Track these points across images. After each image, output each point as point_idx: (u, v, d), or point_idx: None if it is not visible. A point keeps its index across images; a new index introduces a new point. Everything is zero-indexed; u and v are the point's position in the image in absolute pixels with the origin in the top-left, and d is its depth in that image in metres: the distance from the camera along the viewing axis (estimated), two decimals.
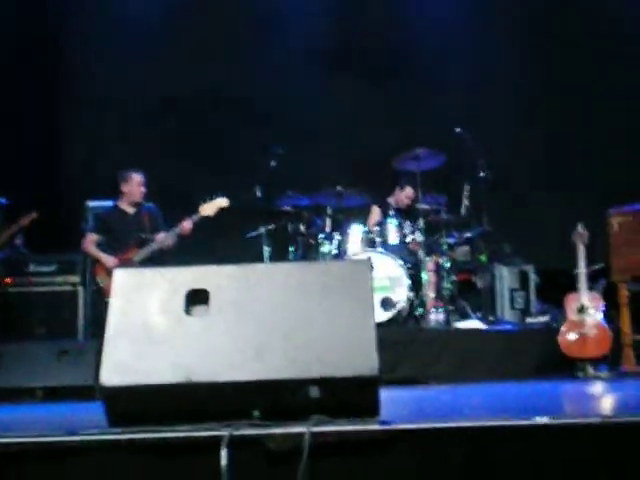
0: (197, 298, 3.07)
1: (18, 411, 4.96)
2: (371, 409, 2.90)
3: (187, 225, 6.79)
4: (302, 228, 7.39)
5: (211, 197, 6.79)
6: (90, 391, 5.70)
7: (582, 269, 6.06)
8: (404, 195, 7.76)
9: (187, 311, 3.06)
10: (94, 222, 7.20)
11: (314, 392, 2.88)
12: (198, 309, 3.07)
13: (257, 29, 9.10)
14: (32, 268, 7.24)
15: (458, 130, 7.17)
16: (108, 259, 6.76)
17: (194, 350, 2.98)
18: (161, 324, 3.04)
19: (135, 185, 7.00)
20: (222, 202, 6.79)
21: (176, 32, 9.12)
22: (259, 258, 7.31)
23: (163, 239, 6.84)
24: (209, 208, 6.77)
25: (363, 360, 2.89)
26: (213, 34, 9.03)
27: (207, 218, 6.78)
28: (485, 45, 8.84)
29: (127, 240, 6.85)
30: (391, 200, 7.83)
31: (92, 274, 7.04)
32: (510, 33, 8.84)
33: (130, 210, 7.05)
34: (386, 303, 6.63)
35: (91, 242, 6.93)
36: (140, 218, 7.02)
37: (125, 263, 6.66)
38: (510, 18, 8.88)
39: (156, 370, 2.94)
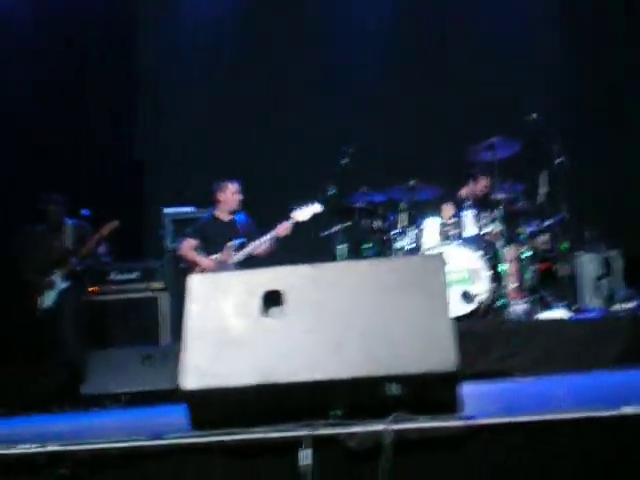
0: (273, 299, 3.08)
1: (103, 417, 5.06)
2: (452, 405, 2.87)
3: (283, 227, 6.93)
4: (377, 224, 7.35)
5: (303, 203, 6.89)
6: (174, 394, 5.78)
7: None
8: (479, 187, 7.62)
9: (263, 312, 3.07)
10: (192, 229, 7.37)
11: (393, 389, 2.86)
12: (274, 310, 3.08)
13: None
14: (114, 276, 7.39)
15: (534, 116, 7.03)
16: (207, 262, 6.97)
17: (271, 351, 2.98)
18: (238, 326, 3.05)
19: (231, 194, 7.25)
20: (316, 208, 7.01)
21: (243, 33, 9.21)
22: (335, 256, 7.30)
23: (258, 244, 7.05)
24: (303, 214, 6.96)
25: (441, 356, 2.85)
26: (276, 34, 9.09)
27: (300, 223, 6.91)
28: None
29: (223, 246, 7.01)
30: (464, 192, 7.69)
31: (180, 279, 7.17)
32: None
33: (225, 218, 7.32)
34: (467, 296, 6.54)
35: (189, 247, 7.19)
36: (235, 225, 7.30)
37: (222, 266, 6.84)
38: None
39: (235, 372, 2.96)
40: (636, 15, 8.47)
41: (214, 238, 7.12)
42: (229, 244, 7.04)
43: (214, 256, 7.04)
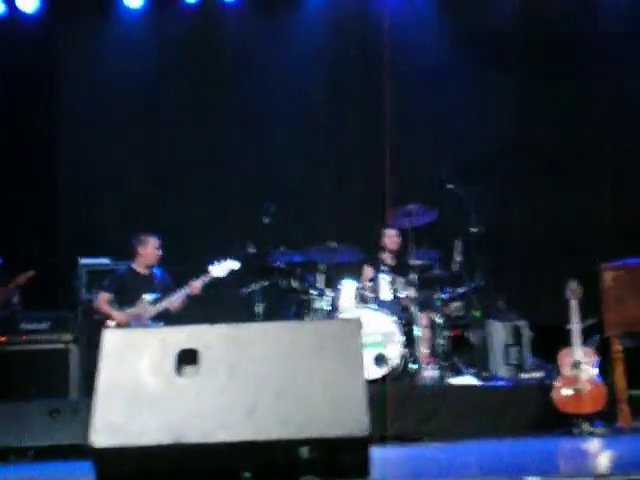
0: (188, 358, 3.08)
1: (8, 471, 4.90)
2: (362, 469, 2.89)
3: (196, 285, 6.94)
4: (295, 284, 7.39)
5: (220, 259, 6.90)
6: (83, 450, 5.65)
7: (575, 324, 6.06)
8: (388, 236, 7.75)
9: (178, 371, 3.06)
10: (109, 281, 7.27)
11: (305, 453, 2.87)
12: (189, 369, 3.07)
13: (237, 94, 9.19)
14: (24, 325, 7.21)
15: (450, 186, 7.24)
16: (120, 315, 6.88)
17: (184, 411, 2.97)
18: (152, 384, 3.03)
19: (151, 248, 7.21)
20: (233, 264, 7.00)
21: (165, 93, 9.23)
22: (252, 315, 7.30)
23: (173, 299, 6.98)
24: (220, 269, 6.96)
25: (353, 420, 2.89)
26: (200, 88, 9.13)
27: (217, 279, 6.91)
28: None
29: (138, 299, 6.94)
30: (383, 247, 7.78)
31: (93, 331, 7.07)
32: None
33: (144, 271, 7.24)
34: (379, 359, 6.61)
35: (104, 300, 7.09)
36: (152, 279, 7.23)
37: (136, 321, 6.80)
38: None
39: (146, 431, 2.93)
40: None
41: (131, 291, 7.05)
42: (144, 297, 6.98)
43: (128, 310, 6.97)
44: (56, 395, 6.79)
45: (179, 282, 7.12)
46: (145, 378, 3.05)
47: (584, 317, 6.18)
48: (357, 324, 3.15)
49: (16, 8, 9.01)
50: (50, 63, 9.21)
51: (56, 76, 9.27)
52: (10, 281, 7.05)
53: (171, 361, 3.07)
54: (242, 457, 2.89)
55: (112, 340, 3.13)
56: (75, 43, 9.24)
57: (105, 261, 7.91)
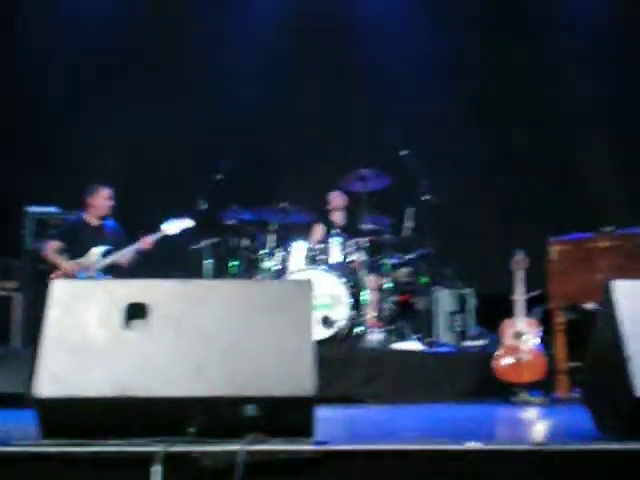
0: (136, 312, 3.06)
1: None
2: (306, 429, 2.92)
3: (147, 241, 6.90)
4: (245, 243, 7.39)
5: (175, 217, 6.84)
6: (22, 399, 5.61)
7: (520, 295, 6.16)
8: (332, 197, 7.80)
9: (125, 325, 3.04)
10: (58, 230, 7.18)
11: (250, 410, 2.89)
12: (136, 323, 3.05)
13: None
14: None
15: (403, 152, 7.27)
16: (69, 265, 6.78)
17: (131, 364, 2.96)
18: (98, 337, 3.01)
19: (102, 198, 7.12)
20: (187, 222, 6.95)
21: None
22: (200, 271, 7.29)
23: (123, 253, 6.94)
24: (173, 227, 6.89)
25: (300, 380, 2.91)
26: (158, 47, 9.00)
27: (169, 237, 6.86)
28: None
29: (88, 251, 6.86)
30: (331, 211, 7.83)
31: (38, 280, 7.00)
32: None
33: (95, 222, 7.15)
34: (326, 321, 6.66)
35: (52, 249, 6.98)
36: (103, 231, 7.16)
37: (85, 271, 6.72)
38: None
39: (92, 383, 2.92)
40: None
41: (81, 242, 6.97)
42: (94, 250, 6.91)
43: (77, 260, 6.89)
44: None
45: (131, 236, 7.06)
46: (92, 330, 3.03)
47: (530, 288, 6.28)
48: (308, 286, 3.16)
49: None
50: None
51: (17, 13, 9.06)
52: None
53: (119, 314, 3.05)
54: (187, 412, 2.89)
55: (60, 291, 3.10)
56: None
57: (53, 209, 7.80)
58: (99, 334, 3.02)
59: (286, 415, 2.90)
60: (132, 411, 2.91)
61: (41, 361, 2.96)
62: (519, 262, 6.23)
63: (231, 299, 3.11)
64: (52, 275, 6.78)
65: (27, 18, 8.98)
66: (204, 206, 7.38)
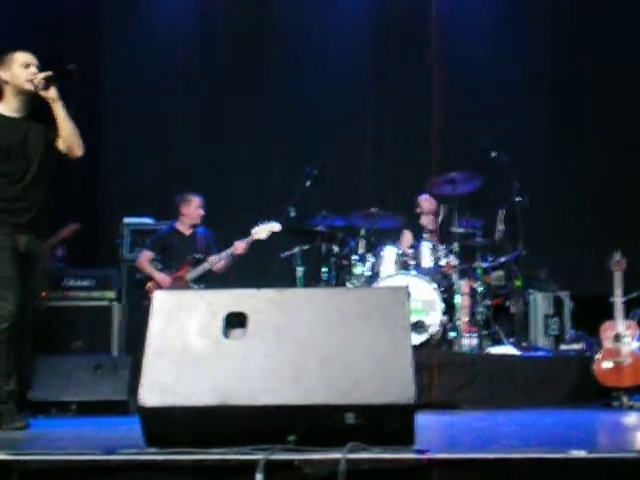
0: (235, 321, 3.10)
1: (52, 425, 5.00)
2: (407, 437, 2.90)
3: (240, 246, 6.89)
4: (335, 249, 7.41)
5: (263, 220, 6.89)
6: (123, 406, 5.76)
7: (618, 297, 6.01)
8: (423, 200, 7.75)
9: (225, 334, 3.08)
10: (151, 240, 7.32)
11: (350, 418, 2.89)
12: (236, 332, 3.09)
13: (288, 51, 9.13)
14: (69, 282, 7.31)
15: (494, 154, 7.17)
16: (161, 276, 6.92)
17: (231, 373, 3.00)
18: (200, 346, 3.06)
19: (194, 207, 7.20)
20: (275, 226, 6.94)
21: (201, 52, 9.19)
22: (292, 278, 7.34)
23: (216, 260, 7.00)
24: (262, 231, 6.90)
25: (400, 388, 2.89)
26: (243, 55, 9.08)
27: (258, 241, 6.89)
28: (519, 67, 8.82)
29: (181, 259, 6.98)
30: (421, 214, 7.79)
31: (135, 290, 7.17)
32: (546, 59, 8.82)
33: (187, 231, 7.25)
34: (419, 326, 6.62)
35: (146, 259, 7.13)
36: (195, 239, 7.24)
37: (177, 281, 6.82)
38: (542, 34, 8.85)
39: (194, 392, 2.96)
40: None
41: (174, 251, 7.08)
42: (188, 259, 7.01)
43: (171, 271, 7.00)
44: (98, 351, 6.91)
45: (221, 243, 7.15)
46: (193, 339, 3.08)
47: (628, 289, 6.13)
48: (404, 292, 3.14)
49: None
50: (95, 20, 9.21)
51: (100, 37, 9.28)
52: (53, 235, 7.13)
53: (219, 323, 3.09)
54: (287, 421, 2.91)
55: (162, 301, 3.16)
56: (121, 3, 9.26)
57: (148, 220, 7.97)
58: (200, 343, 3.07)
59: (387, 423, 2.88)
60: (233, 419, 2.94)
61: (144, 371, 3.02)
62: (617, 263, 6.08)
63: (327, 307, 3.12)
64: (147, 285, 6.93)
65: (109, 35, 9.19)
66: (293, 213, 7.43)
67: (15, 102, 4.46)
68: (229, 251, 6.97)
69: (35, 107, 4.54)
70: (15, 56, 4.47)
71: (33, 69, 4.43)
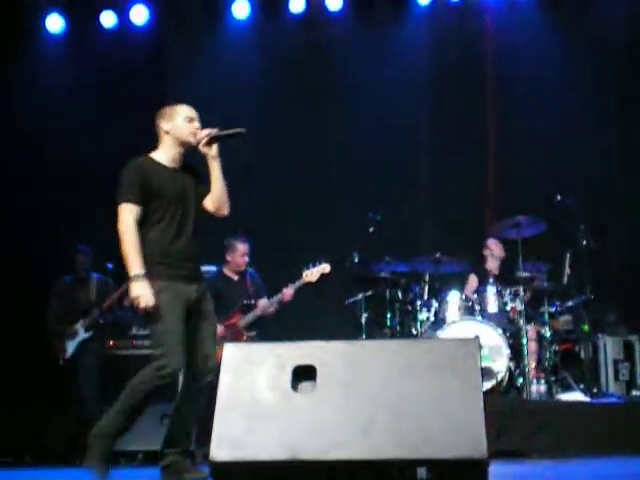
0: (304, 374, 3.10)
1: (118, 474, 5.02)
2: None
3: (289, 292, 6.85)
4: (400, 294, 7.38)
5: (314, 263, 6.84)
6: (191, 456, 5.76)
7: None
8: (489, 246, 7.67)
9: (294, 387, 3.09)
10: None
11: (422, 473, 2.86)
12: (305, 385, 3.09)
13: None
14: (135, 331, 7.39)
15: (559, 197, 7.11)
16: None
17: (301, 427, 2.99)
18: (269, 400, 3.07)
19: (239, 255, 7.14)
20: (325, 268, 6.83)
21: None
22: (357, 324, 7.31)
23: (266, 306, 6.97)
24: (312, 275, 6.81)
25: (472, 442, 2.85)
26: (304, 99, 9.14)
27: (310, 284, 6.84)
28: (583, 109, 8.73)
29: (232, 306, 6.98)
30: (487, 257, 7.72)
31: None
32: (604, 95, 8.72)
33: (234, 276, 7.21)
34: (486, 373, 6.52)
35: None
36: (244, 284, 7.17)
37: (230, 329, 6.82)
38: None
39: (263, 446, 2.97)
40: None
41: (224, 298, 6.89)
42: (239, 306, 6.97)
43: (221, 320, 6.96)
44: (166, 400, 6.93)
45: (277, 286, 7.06)
46: (262, 393, 3.09)
47: None
48: (475, 344, 3.12)
49: (128, 19, 9.28)
50: (160, 72, 9.40)
51: (164, 87, 9.46)
52: (119, 287, 7.24)
53: (288, 377, 3.10)
54: (358, 476, 2.89)
55: (231, 354, 3.19)
56: (183, 54, 9.42)
57: (217, 269, 8.00)
58: (269, 397, 3.07)
59: (459, 478, 2.85)
60: (303, 474, 2.93)
61: (214, 424, 3.04)
62: None
63: (397, 359, 3.11)
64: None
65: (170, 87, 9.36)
66: (357, 259, 7.42)
67: (173, 153, 4.49)
68: (278, 297, 6.92)
69: (186, 161, 4.58)
70: (179, 108, 4.52)
71: (197, 124, 4.49)
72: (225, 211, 4.60)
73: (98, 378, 6.99)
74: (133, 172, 4.35)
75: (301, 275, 6.85)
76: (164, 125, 4.48)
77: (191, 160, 4.59)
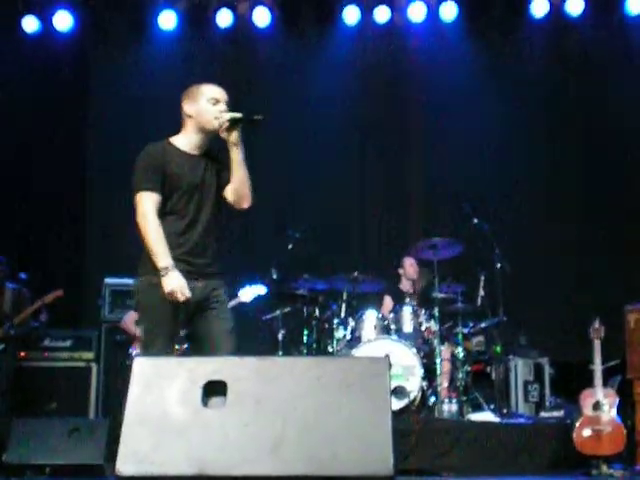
0: (215, 389, 3.08)
1: None
2: None
3: None
4: (317, 312, 7.41)
5: (250, 283, 6.85)
6: (99, 470, 5.68)
7: (598, 365, 6.02)
8: (406, 265, 7.77)
9: (204, 402, 3.06)
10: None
11: None
12: (215, 400, 3.07)
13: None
14: (47, 343, 7.27)
15: (475, 221, 7.25)
16: None
17: (210, 442, 2.97)
18: (179, 415, 3.04)
19: None
20: (260, 289, 6.86)
21: None
22: (274, 341, 7.32)
23: None
24: (247, 294, 6.82)
25: (379, 459, 2.87)
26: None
27: (243, 304, 6.85)
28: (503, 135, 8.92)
29: None
30: (402, 277, 7.81)
31: (114, 351, 7.13)
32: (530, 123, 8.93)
33: None
34: (399, 392, 6.59)
35: (132, 320, 7.04)
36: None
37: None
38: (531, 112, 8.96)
39: (171, 461, 2.93)
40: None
41: None
42: None
43: None
44: (75, 414, 6.83)
45: None
46: (172, 408, 3.05)
47: (607, 357, 6.14)
48: (385, 362, 3.14)
49: (51, 26, 9.13)
50: (83, 80, 9.29)
51: (87, 95, 9.35)
52: (35, 298, 7.11)
53: (198, 391, 3.08)
54: None
55: (141, 368, 3.15)
56: (107, 62, 9.33)
57: (130, 281, 7.91)
58: (179, 412, 3.04)
59: None
60: None
61: (123, 439, 2.99)
62: (596, 331, 6.10)
63: (308, 376, 3.11)
64: (132, 346, 6.88)
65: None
66: (275, 275, 7.43)
67: (196, 139, 4.09)
68: None
69: (209, 148, 4.16)
70: (203, 89, 4.09)
71: (222, 106, 4.04)
72: (245, 204, 4.21)
73: (6, 391, 6.83)
74: (147, 158, 4.00)
75: (236, 295, 6.86)
76: (187, 108, 4.07)
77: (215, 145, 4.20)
